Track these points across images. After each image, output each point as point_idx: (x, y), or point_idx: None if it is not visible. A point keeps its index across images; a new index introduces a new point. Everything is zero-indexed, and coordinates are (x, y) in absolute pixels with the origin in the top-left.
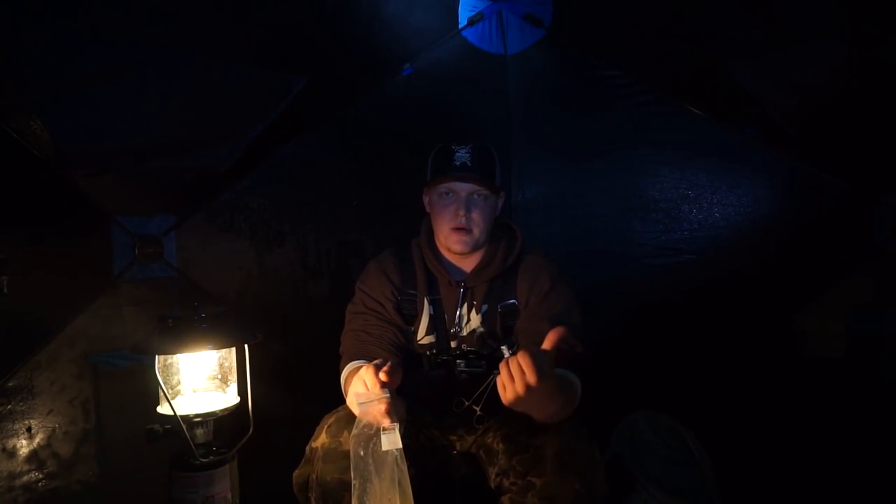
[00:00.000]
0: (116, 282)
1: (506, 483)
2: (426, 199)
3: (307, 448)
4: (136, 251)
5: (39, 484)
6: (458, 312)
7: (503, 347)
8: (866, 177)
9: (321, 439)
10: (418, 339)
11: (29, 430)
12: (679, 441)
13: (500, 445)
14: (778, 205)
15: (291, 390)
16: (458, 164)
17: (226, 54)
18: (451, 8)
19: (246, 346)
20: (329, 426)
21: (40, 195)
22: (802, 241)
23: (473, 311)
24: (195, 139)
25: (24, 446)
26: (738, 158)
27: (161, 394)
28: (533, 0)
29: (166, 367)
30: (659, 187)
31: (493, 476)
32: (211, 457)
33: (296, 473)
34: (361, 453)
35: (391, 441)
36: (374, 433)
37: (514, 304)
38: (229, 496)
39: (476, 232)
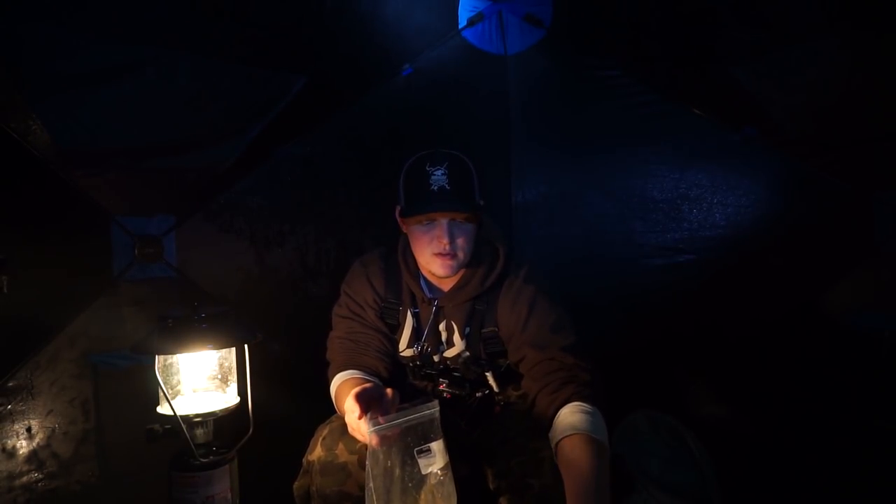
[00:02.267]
0: (116, 282)
1: (504, 485)
2: (400, 221)
3: (304, 460)
4: (136, 251)
5: (39, 484)
6: (426, 329)
7: (487, 374)
8: (866, 177)
9: (317, 452)
10: (401, 349)
11: (29, 430)
12: (679, 441)
13: (499, 447)
14: (778, 205)
15: (291, 390)
16: (435, 189)
17: (226, 54)
18: (451, 8)
19: (246, 346)
20: (323, 438)
21: (40, 195)
22: (802, 241)
23: (457, 335)
24: (195, 139)
25: (23, 446)
26: (738, 158)
27: (161, 394)
28: (533, 0)
29: (166, 367)
30: (659, 187)
31: (491, 477)
32: (211, 457)
33: (296, 485)
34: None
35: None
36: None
37: (494, 332)
38: (229, 496)
39: (461, 255)
